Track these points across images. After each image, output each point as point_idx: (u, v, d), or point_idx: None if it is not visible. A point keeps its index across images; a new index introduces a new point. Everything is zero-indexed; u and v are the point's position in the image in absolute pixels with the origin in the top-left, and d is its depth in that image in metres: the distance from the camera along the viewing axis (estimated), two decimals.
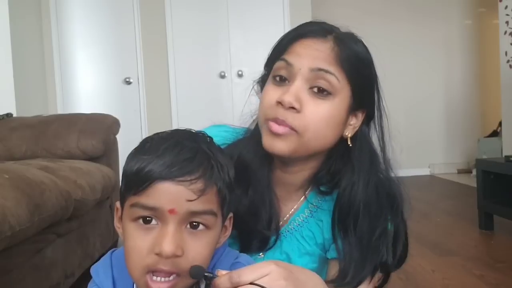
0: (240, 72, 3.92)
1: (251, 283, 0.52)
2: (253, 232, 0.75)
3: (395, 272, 0.77)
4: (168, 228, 0.53)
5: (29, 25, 3.65)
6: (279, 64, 0.71)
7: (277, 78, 0.71)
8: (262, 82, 0.78)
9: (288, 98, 0.67)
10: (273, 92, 0.71)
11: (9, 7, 3.20)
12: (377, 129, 0.78)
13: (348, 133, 0.75)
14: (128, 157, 0.58)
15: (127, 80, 3.90)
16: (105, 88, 3.90)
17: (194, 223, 0.55)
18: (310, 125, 0.69)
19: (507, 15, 3.72)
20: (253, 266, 0.55)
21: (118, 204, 0.60)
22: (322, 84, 0.68)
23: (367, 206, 0.73)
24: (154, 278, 0.54)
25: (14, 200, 1.05)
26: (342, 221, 0.74)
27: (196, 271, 0.54)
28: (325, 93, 0.69)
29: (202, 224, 0.56)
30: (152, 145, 0.57)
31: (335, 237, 0.75)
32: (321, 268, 0.80)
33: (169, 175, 0.53)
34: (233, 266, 0.62)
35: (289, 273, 0.55)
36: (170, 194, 0.53)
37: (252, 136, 0.77)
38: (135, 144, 0.60)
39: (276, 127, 0.69)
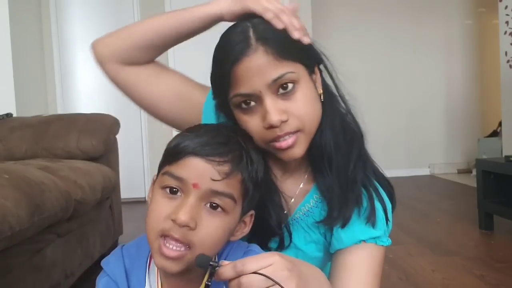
0: None
1: (254, 273, 0.52)
2: (265, 229, 0.76)
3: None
4: (188, 200, 0.58)
5: (29, 25, 3.65)
6: (237, 99, 0.69)
7: (247, 106, 0.69)
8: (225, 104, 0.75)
9: (276, 117, 0.66)
10: (254, 121, 0.69)
11: (9, 7, 3.20)
12: (328, 72, 0.78)
13: (319, 89, 0.75)
14: (176, 135, 0.65)
15: None
16: (105, 88, 3.89)
17: (213, 204, 0.59)
18: (305, 120, 0.70)
19: (507, 15, 3.72)
20: (257, 256, 0.55)
21: (155, 176, 0.65)
22: (286, 87, 0.68)
23: (337, 146, 0.76)
24: (167, 244, 0.57)
25: (14, 200, 1.05)
26: (317, 165, 0.77)
27: (201, 259, 0.55)
28: (289, 92, 0.68)
29: (221, 207, 0.59)
30: (195, 126, 0.64)
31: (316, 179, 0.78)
32: (326, 259, 0.82)
33: (200, 152, 0.59)
34: (246, 254, 0.65)
35: (292, 265, 0.55)
36: (197, 169, 0.58)
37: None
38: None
39: (285, 144, 0.69)
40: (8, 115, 2.19)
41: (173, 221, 0.57)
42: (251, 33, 0.67)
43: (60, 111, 3.85)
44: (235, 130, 0.67)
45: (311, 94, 0.71)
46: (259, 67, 0.66)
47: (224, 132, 0.63)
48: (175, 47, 0.85)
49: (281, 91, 0.68)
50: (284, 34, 0.69)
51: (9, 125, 2.06)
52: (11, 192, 1.07)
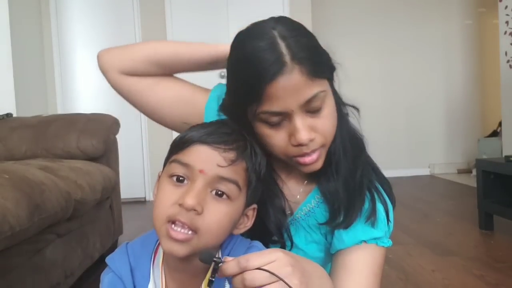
0: None
1: (258, 268, 0.53)
2: (265, 234, 0.77)
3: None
4: (195, 185, 0.59)
5: (29, 25, 3.65)
6: (268, 117, 0.68)
7: (274, 123, 0.68)
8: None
9: (306, 136, 0.67)
10: (279, 136, 0.69)
11: (9, 7, 3.20)
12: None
13: None
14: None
15: None
16: (105, 88, 3.86)
17: (219, 192, 0.61)
18: (329, 135, 0.71)
19: (507, 15, 3.73)
20: (260, 252, 0.56)
21: (160, 172, 0.67)
22: (316, 105, 0.68)
23: (345, 151, 0.77)
24: (174, 227, 0.58)
25: (14, 200, 1.05)
26: (324, 169, 0.76)
27: (205, 255, 0.55)
28: (318, 109, 0.68)
29: (226, 194, 0.61)
30: (201, 123, 0.67)
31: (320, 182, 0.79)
32: (327, 260, 0.82)
33: (206, 140, 0.61)
34: (248, 250, 0.66)
35: (295, 261, 0.56)
36: (204, 155, 0.60)
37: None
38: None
39: (308, 155, 0.70)
40: (8, 115, 2.19)
41: (180, 205, 0.58)
42: (283, 49, 0.65)
43: (60, 111, 3.86)
44: (239, 125, 0.68)
45: (333, 107, 0.72)
46: (294, 87, 0.65)
47: (229, 125, 0.66)
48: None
49: (311, 110, 0.68)
50: (314, 49, 0.68)
51: (9, 125, 2.06)
52: (11, 192, 1.07)
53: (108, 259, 0.68)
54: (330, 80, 0.72)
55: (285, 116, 0.67)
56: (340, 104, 0.78)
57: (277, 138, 0.69)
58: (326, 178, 0.77)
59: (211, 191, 0.60)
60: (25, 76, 3.47)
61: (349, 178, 0.76)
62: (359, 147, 0.79)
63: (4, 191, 1.05)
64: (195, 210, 0.57)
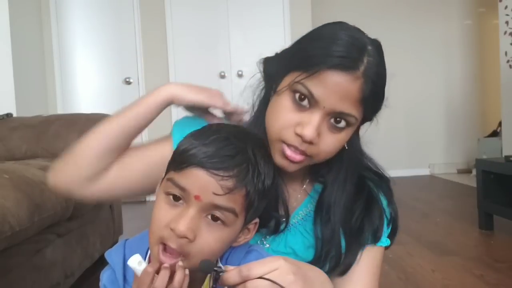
0: (240, 72, 3.92)
1: (260, 277, 0.52)
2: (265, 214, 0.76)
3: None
4: (189, 211, 0.57)
5: (29, 25, 3.65)
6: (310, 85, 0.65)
7: (300, 101, 0.66)
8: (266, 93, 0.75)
9: (312, 135, 0.65)
10: (292, 115, 0.67)
11: (9, 6, 3.20)
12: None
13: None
14: (185, 136, 0.63)
15: (127, 80, 3.90)
16: (105, 88, 3.91)
17: (214, 216, 0.58)
18: (321, 155, 0.70)
19: (507, 15, 3.73)
20: (262, 260, 0.56)
21: (163, 174, 0.65)
22: (340, 125, 0.68)
23: (352, 195, 0.76)
24: (166, 252, 0.57)
25: (14, 200, 1.05)
26: (326, 210, 0.76)
27: (205, 265, 0.55)
28: (341, 124, 0.67)
29: (221, 220, 0.59)
30: (205, 132, 0.62)
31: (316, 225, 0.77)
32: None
33: (206, 165, 0.57)
34: (248, 254, 0.65)
35: (297, 268, 0.56)
36: (201, 182, 0.57)
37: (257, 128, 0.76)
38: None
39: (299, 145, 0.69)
40: (8, 115, 2.18)
41: (172, 230, 0.56)
42: (365, 59, 0.64)
43: (60, 111, 3.86)
44: (246, 138, 0.63)
45: (345, 141, 0.71)
46: (344, 92, 0.64)
47: (234, 143, 0.60)
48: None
49: (332, 121, 0.67)
50: (381, 86, 0.68)
51: (9, 125, 2.06)
52: (11, 192, 1.07)
53: (106, 254, 0.68)
54: (365, 120, 0.72)
55: (312, 104, 0.66)
56: (356, 145, 0.78)
57: (289, 115, 0.67)
58: (327, 219, 0.75)
59: (206, 216, 0.58)
60: (25, 76, 3.47)
61: (347, 221, 0.75)
62: (363, 187, 0.78)
63: (4, 191, 1.06)
64: (186, 237, 0.56)
